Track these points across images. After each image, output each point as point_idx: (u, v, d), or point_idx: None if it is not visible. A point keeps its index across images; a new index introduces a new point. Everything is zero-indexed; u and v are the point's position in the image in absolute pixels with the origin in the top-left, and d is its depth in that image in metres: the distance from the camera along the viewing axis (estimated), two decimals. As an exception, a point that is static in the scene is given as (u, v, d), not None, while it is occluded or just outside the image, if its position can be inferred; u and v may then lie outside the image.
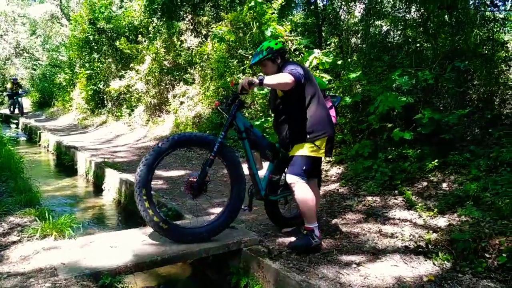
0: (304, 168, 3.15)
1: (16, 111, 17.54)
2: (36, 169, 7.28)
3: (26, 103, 24.01)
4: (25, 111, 18.59)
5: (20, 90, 17.54)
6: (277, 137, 3.47)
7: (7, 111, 22.42)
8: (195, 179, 3.13)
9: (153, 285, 3.34)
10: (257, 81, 2.93)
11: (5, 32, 26.22)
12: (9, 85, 17.82)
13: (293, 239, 3.32)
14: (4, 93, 24.19)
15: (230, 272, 3.20)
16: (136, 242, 3.10)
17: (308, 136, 3.15)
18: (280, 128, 3.37)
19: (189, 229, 3.21)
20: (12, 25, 26.28)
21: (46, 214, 3.37)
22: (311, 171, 3.26)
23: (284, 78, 2.96)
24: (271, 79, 2.96)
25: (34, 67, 26.32)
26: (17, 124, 16.32)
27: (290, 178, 3.14)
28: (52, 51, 23.88)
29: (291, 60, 3.35)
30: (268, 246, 3.26)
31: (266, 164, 3.54)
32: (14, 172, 4.92)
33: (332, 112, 3.47)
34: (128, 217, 5.05)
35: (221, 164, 3.36)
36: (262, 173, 3.46)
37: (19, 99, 17.18)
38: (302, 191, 3.12)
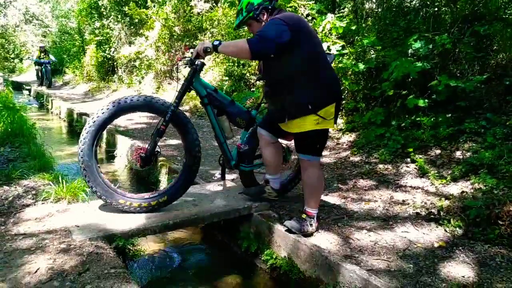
0: (317, 146, 2.82)
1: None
2: (48, 135, 7.35)
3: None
4: (35, 78, 18.22)
5: (48, 58, 16.24)
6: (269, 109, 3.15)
7: (19, 79, 22.49)
8: (143, 150, 2.95)
9: (165, 248, 3.41)
10: (211, 47, 2.66)
11: (14, -1, 25.96)
12: (36, 54, 16.54)
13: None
14: (28, 61, 23.91)
15: (241, 237, 3.24)
16: (148, 206, 3.13)
17: (309, 107, 2.67)
18: (272, 99, 2.97)
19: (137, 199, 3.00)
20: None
21: (60, 179, 3.42)
22: (323, 146, 2.92)
23: (240, 47, 2.56)
24: (226, 47, 2.64)
25: (44, 34, 26.18)
26: (29, 91, 16.44)
27: (303, 159, 2.89)
28: (61, 17, 23.66)
29: (282, 10, 2.87)
30: (279, 211, 3.28)
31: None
32: (27, 138, 4.98)
33: None
34: (141, 182, 5.11)
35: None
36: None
37: (48, 68, 16.19)
38: (314, 174, 2.86)
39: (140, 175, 5.23)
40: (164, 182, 4.56)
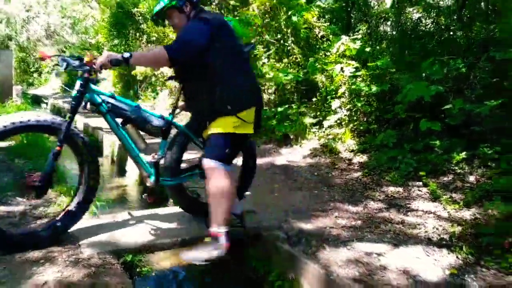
0: (226, 150, 2.54)
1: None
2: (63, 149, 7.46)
3: (56, 84, 24.58)
4: (53, 91, 18.02)
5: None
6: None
7: (38, 92, 22.96)
8: (37, 179, 2.52)
9: (173, 265, 3.39)
10: (122, 59, 2.39)
11: (37, 14, 26.80)
12: None
13: None
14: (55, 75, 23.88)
15: (249, 257, 3.21)
16: (157, 222, 3.15)
17: (229, 107, 2.51)
18: (190, 103, 2.80)
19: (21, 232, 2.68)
20: (44, 7, 26.82)
21: (71, 192, 3.45)
22: (235, 154, 2.68)
23: (157, 56, 2.42)
24: (139, 59, 2.48)
25: (64, 49, 26.86)
26: (46, 104, 16.82)
27: (207, 163, 2.53)
28: (81, 33, 24.30)
29: (205, 10, 2.75)
30: (287, 232, 3.25)
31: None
32: (42, 151, 5.06)
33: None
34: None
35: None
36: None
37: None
38: (219, 184, 2.49)
39: (152, 191, 5.25)
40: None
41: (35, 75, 28.87)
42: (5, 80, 10.71)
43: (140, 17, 12.94)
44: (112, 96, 2.78)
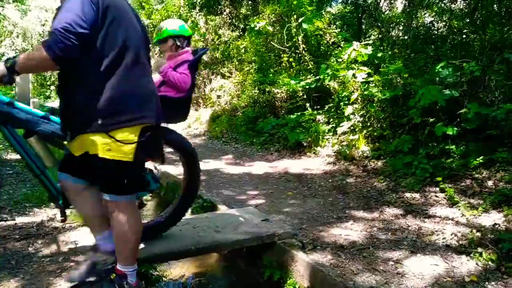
0: (124, 181, 2.02)
1: None
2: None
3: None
4: None
5: None
6: None
7: (54, 104, 23.38)
8: None
9: (188, 274, 3.39)
10: (5, 71, 1.87)
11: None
12: None
13: None
14: None
15: (263, 265, 3.19)
16: (171, 231, 3.15)
17: (99, 122, 1.88)
18: (61, 105, 2.04)
19: None
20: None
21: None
22: (134, 183, 2.10)
23: (37, 58, 1.81)
24: (24, 65, 1.86)
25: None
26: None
27: (105, 199, 2.06)
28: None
29: None
30: (302, 239, 3.23)
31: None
32: (59, 161, 5.14)
33: (183, 70, 2.60)
34: (165, 207, 5.14)
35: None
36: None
37: None
38: (122, 220, 2.04)
39: (166, 200, 5.29)
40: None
41: (52, 87, 29.47)
42: (22, 93, 10.93)
43: (153, 28, 13.14)
44: (10, 103, 2.32)
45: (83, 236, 2.95)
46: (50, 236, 2.95)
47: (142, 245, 2.81)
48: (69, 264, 2.49)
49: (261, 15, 8.99)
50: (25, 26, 26.61)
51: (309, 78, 6.88)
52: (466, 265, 2.82)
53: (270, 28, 8.00)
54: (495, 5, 5.40)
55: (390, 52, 6.48)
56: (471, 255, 2.91)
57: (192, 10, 11.41)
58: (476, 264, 2.81)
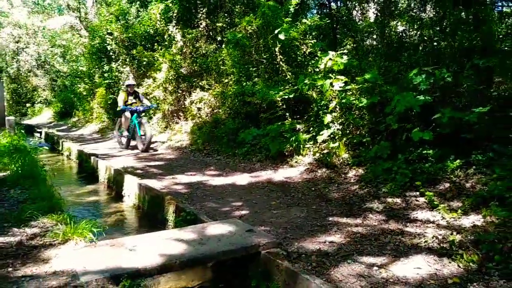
0: None
1: (135, 142, 9.73)
2: (58, 176, 7.42)
3: (47, 115, 24.40)
4: (48, 120, 17.77)
5: (142, 104, 9.73)
6: None
7: (31, 121, 22.81)
8: None
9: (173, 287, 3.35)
10: None
11: (26, 45, 26.96)
12: (121, 96, 9.71)
13: None
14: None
15: (249, 276, 3.18)
16: (155, 246, 3.12)
17: None
18: None
19: None
20: (33, 38, 27.01)
21: (68, 220, 3.43)
22: None
23: None
24: None
25: (55, 77, 26.97)
26: (40, 133, 16.77)
27: None
28: (72, 61, 24.45)
29: None
30: (287, 248, 3.24)
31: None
32: (37, 180, 5.03)
33: None
34: (148, 221, 5.09)
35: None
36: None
37: (142, 120, 9.33)
38: None
39: (148, 214, 5.23)
40: (171, 221, 4.55)
41: (28, 105, 28.88)
42: (-3, 111, 10.71)
43: (129, 43, 13.07)
44: None
45: (64, 254, 2.88)
46: (29, 255, 2.87)
47: (126, 261, 2.77)
48: (50, 283, 2.42)
49: (237, 28, 9.07)
50: (-1, 43, 26.07)
51: (288, 88, 6.96)
52: (448, 267, 2.88)
53: (247, 41, 8.07)
54: (462, 13, 5.61)
55: (365, 61, 6.62)
56: (453, 257, 2.98)
57: (169, 24, 11.41)
58: (458, 265, 2.88)
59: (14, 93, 29.05)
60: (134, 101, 9.76)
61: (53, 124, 20.60)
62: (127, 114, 9.57)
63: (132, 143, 10.08)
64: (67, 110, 21.85)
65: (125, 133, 9.95)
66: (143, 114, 9.83)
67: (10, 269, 2.64)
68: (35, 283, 2.44)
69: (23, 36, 26.76)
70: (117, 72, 14.06)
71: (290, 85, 7.13)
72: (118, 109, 9.89)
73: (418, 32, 6.83)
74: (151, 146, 9.64)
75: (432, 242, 3.27)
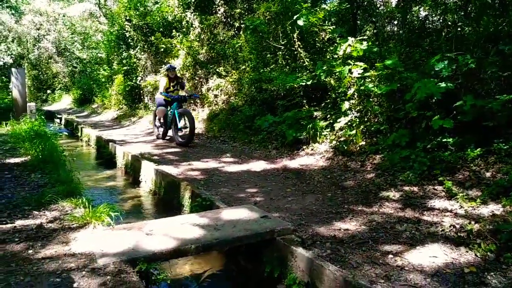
0: None
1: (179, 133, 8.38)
2: (77, 162, 7.57)
3: (67, 102, 24.73)
4: (67, 106, 18.14)
5: (183, 91, 8.68)
6: None
7: (51, 108, 23.27)
8: None
9: (188, 272, 3.40)
10: None
11: (47, 32, 27.34)
12: (163, 81, 8.48)
13: None
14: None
15: (263, 261, 3.20)
16: (171, 230, 3.16)
17: None
18: None
19: None
20: (54, 25, 27.36)
21: (86, 203, 3.49)
22: None
23: None
24: None
25: (75, 64, 27.34)
26: (60, 119, 17.11)
27: None
28: (91, 48, 24.72)
29: None
30: (302, 235, 3.23)
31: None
32: (57, 165, 5.14)
33: None
34: (164, 206, 5.16)
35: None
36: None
37: (184, 109, 8.48)
38: None
39: (164, 200, 5.29)
40: (187, 206, 4.59)
41: (48, 91, 29.39)
42: (19, 97, 10.93)
43: (148, 30, 13.12)
44: None
45: (82, 237, 2.95)
46: (49, 238, 2.94)
47: (143, 244, 2.82)
48: (69, 265, 2.49)
49: (255, 14, 8.98)
50: (20, 30, 26.52)
51: (305, 75, 6.88)
52: (465, 256, 2.83)
53: (265, 27, 7.99)
54: (488, -3, 5.42)
55: (385, 47, 6.48)
56: (470, 246, 2.93)
57: (187, 10, 11.38)
58: (475, 255, 2.82)
59: (35, 80, 29.60)
60: (176, 88, 8.62)
61: (73, 111, 20.96)
62: (161, 100, 8.66)
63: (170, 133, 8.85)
64: (86, 96, 22.18)
65: (157, 123, 9.22)
66: (185, 103, 8.88)
67: (30, 251, 2.71)
68: (54, 265, 2.50)
69: (44, 23, 27.14)
70: (135, 58, 14.16)
71: (308, 71, 7.05)
72: (156, 96, 9.19)
73: (442, 17, 6.63)
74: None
75: (449, 231, 3.21)
